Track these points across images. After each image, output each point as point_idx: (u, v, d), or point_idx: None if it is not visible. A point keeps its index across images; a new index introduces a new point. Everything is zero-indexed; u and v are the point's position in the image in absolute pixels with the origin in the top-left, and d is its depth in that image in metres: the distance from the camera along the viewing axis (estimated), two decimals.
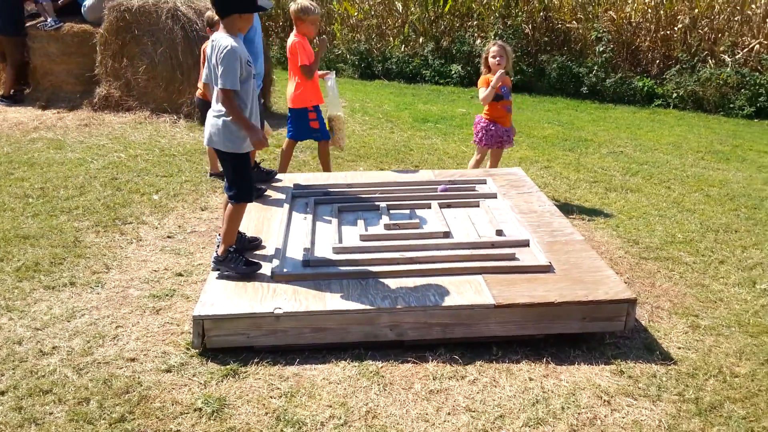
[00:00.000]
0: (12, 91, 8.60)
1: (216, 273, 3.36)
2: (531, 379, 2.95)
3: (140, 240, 4.32)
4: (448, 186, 4.65)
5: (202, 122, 5.36)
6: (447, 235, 3.85)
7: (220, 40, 3.21)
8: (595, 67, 10.94)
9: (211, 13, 5.00)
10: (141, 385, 2.80)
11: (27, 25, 8.28)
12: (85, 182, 5.40)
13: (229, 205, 3.41)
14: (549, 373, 3.01)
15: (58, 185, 5.30)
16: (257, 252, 3.65)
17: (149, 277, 3.79)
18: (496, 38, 7.45)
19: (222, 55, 3.15)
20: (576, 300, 3.16)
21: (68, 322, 3.29)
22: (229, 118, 3.29)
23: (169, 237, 4.39)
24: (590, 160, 6.93)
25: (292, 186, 4.67)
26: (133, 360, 2.99)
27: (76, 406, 2.66)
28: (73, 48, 8.19)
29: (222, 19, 3.27)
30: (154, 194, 5.19)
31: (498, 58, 5.05)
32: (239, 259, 3.32)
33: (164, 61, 7.81)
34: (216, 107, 3.34)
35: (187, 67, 7.69)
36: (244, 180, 3.42)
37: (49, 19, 8.13)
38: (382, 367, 2.98)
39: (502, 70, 5.04)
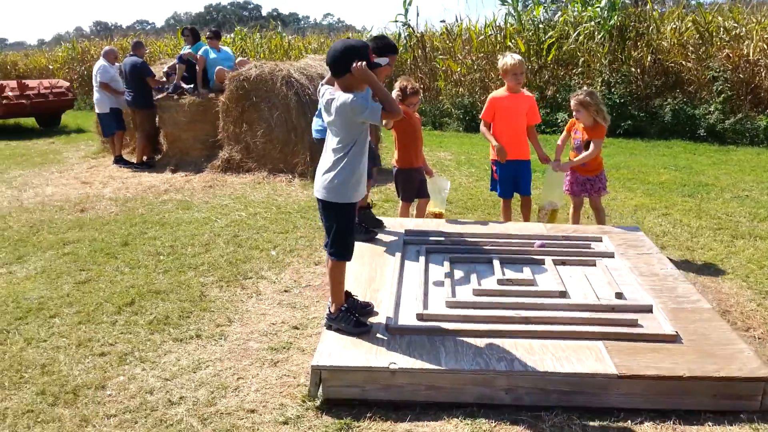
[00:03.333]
0: (145, 157, 9.44)
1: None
2: None
3: (259, 294, 4.53)
4: (545, 242, 4.56)
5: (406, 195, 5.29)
6: (563, 294, 3.72)
7: (340, 95, 3.12)
8: (712, 107, 10.43)
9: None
10: None
11: (158, 97, 9.13)
12: (209, 240, 5.77)
13: (330, 262, 3.39)
14: None
15: (186, 243, 5.70)
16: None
17: (268, 330, 3.95)
18: (584, 87, 7.40)
19: (352, 104, 3.06)
20: (707, 375, 2.93)
21: (194, 373, 3.48)
22: (341, 165, 3.18)
23: (285, 291, 4.57)
24: (713, 205, 6.54)
25: (403, 231, 4.72)
26: (252, 411, 3.10)
27: None
28: (198, 116, 8.93)
29: (337, 79, 3.19)
30: (271, 250, 5.45)
31: (575, 113, 5.09)
32: (350, 318, 3.35)
33: (280, 125, 8.31)
34: (328, 159, 3.27)
35: (300, 129, 8.14)
36: (346, 234, 3.32)
37: (180, 86, 9.09)
38: (495, 426, 2.91)
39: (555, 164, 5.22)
